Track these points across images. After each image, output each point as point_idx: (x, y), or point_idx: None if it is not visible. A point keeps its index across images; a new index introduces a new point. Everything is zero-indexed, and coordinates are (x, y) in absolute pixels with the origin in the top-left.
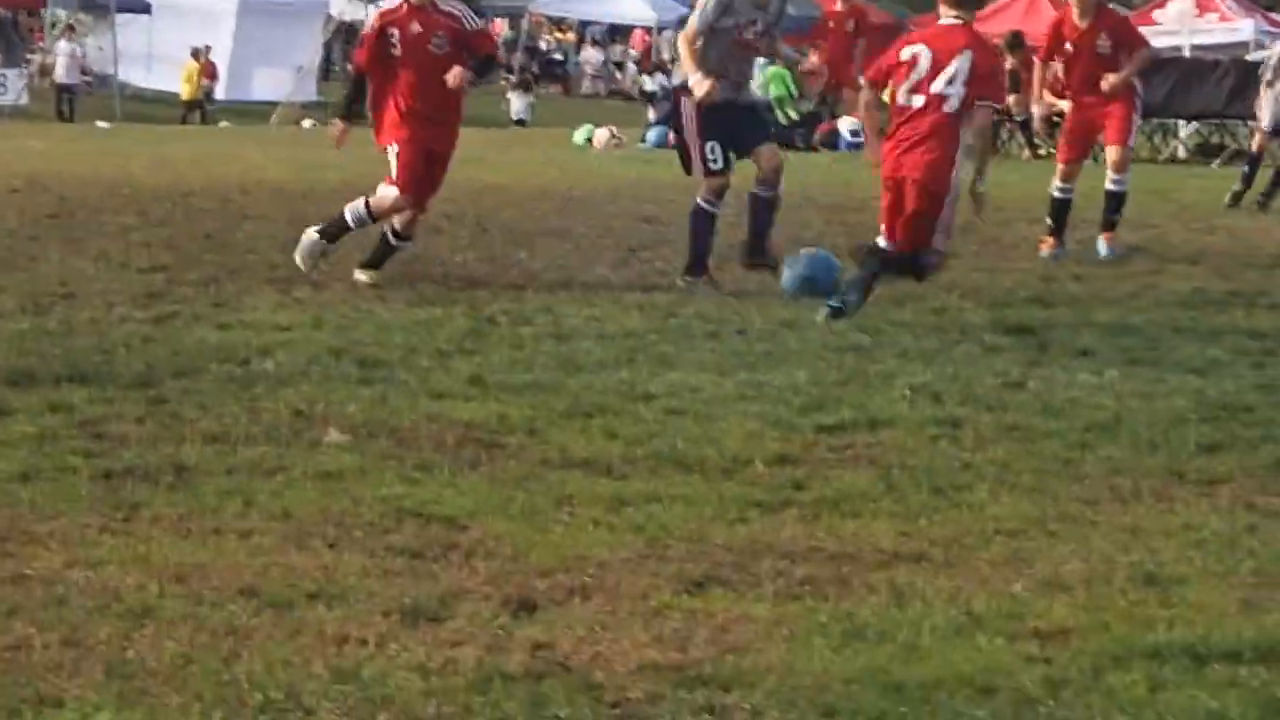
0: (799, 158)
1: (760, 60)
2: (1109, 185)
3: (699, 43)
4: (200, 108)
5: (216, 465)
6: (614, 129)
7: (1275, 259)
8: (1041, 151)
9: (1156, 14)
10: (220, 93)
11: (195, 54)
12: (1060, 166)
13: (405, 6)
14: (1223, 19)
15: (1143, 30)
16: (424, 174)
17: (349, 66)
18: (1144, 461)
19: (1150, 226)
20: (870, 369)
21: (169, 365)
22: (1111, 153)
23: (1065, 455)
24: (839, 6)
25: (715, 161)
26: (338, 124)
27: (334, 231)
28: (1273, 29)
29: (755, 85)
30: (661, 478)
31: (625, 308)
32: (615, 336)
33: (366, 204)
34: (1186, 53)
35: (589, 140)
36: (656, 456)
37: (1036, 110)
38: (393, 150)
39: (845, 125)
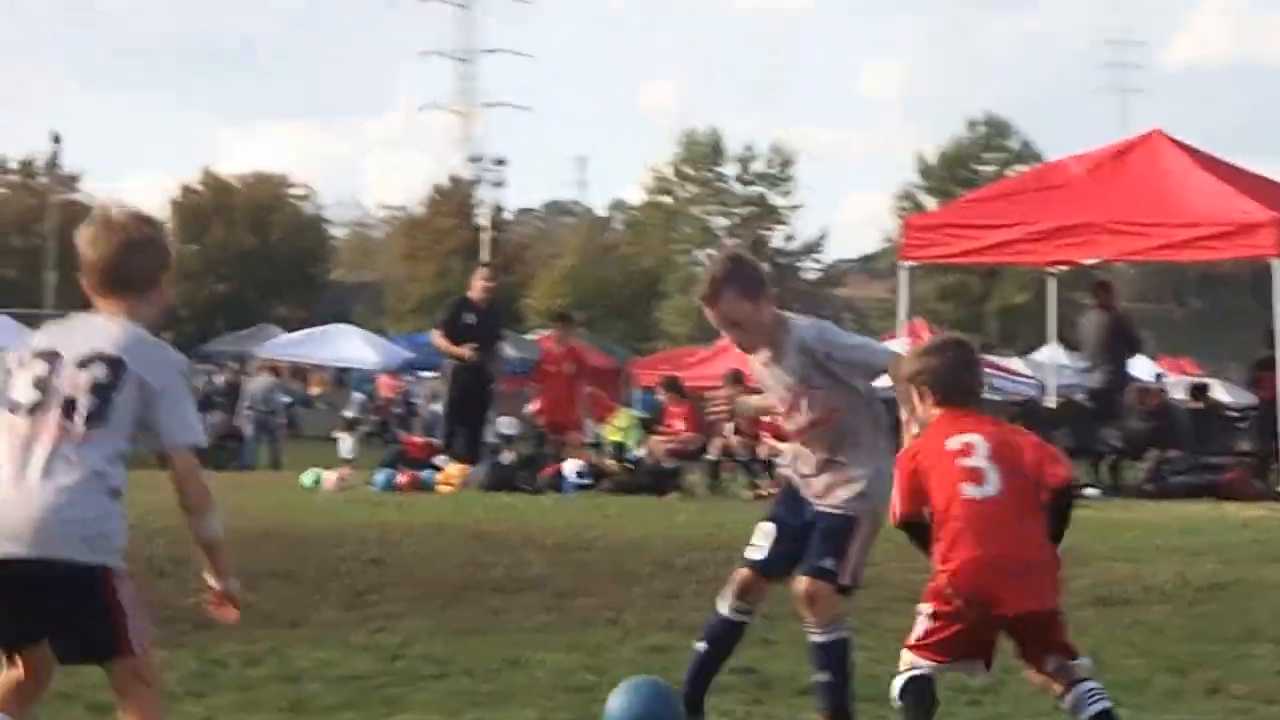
0: (524, 499)
1: None
2: None
3: None
4: None
5: None
6: (344, 472)
7: None
8: (763, 492)
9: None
10: None
11: None
12: None
13: None
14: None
15: None
16: None
17: None
18: None
19: (870, 564)
20: (595, 708)
21: None
22: None
23: None
24: (556, 348)
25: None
26: None
27: None
28: (987, 370)
29: None
30: None
31: (354, 649)
32: (345, 679)
33: None
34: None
35: (317, 482)
36: None
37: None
38: None
39: (570, 467)
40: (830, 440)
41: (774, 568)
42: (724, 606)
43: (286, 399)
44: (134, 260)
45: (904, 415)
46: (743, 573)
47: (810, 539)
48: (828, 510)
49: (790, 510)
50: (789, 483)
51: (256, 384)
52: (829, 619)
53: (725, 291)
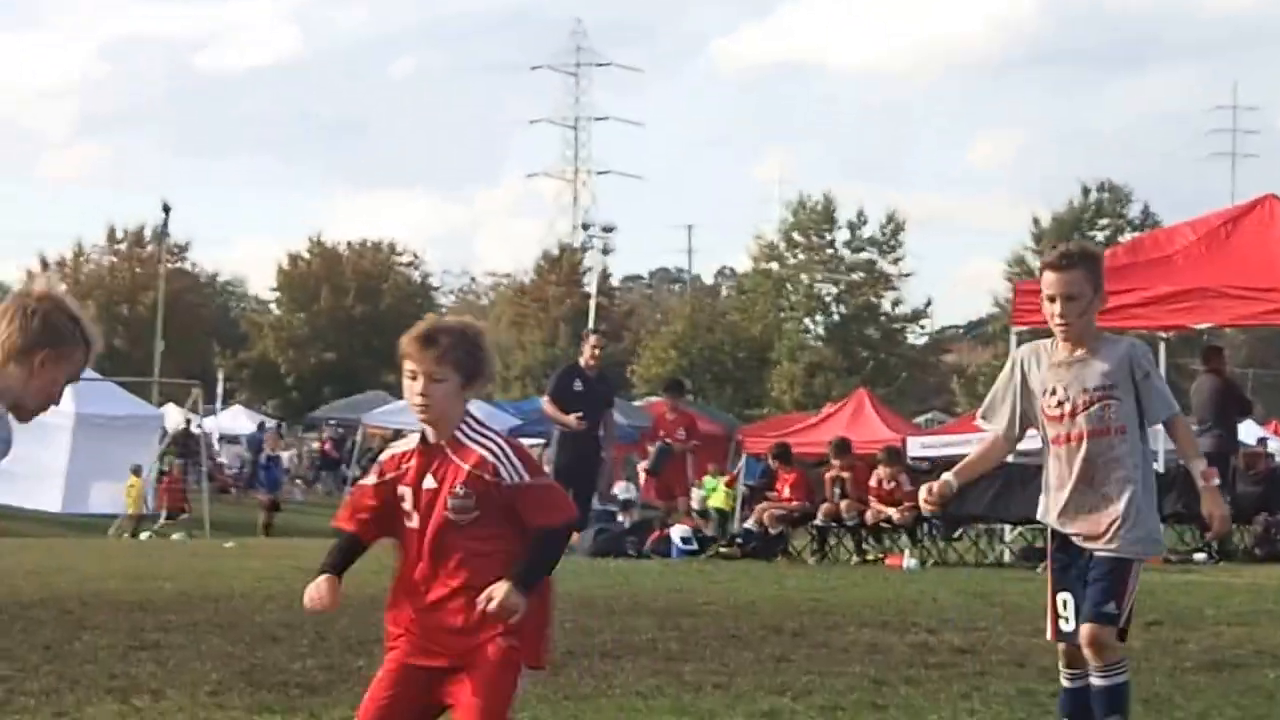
0: (631, 565)
1: None
2: None
3: None
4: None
5: None
6: None
7: None
8: (870, 556)
9: (980, 420)
10: (58, 506)
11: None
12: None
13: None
14: None
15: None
16: None
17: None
18: None
19: (977, 629)
20: None
21: None
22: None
23: None
24: (669, 415)
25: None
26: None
27: None
28: None
29: None
30: None
31: None
32: None
33: None
34: (1010, 458)
35: None
36: None
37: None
38: None
39: (676, 533)
40: (1098, 464)
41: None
42: (1065, 681)
43: None
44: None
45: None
46: (1062, 647)
47: (1088, 584)
48: (1106, 555)
49: (1074, 573)
50: (1058, 545)
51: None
52: (1113, 661)
53: (1080, 266)
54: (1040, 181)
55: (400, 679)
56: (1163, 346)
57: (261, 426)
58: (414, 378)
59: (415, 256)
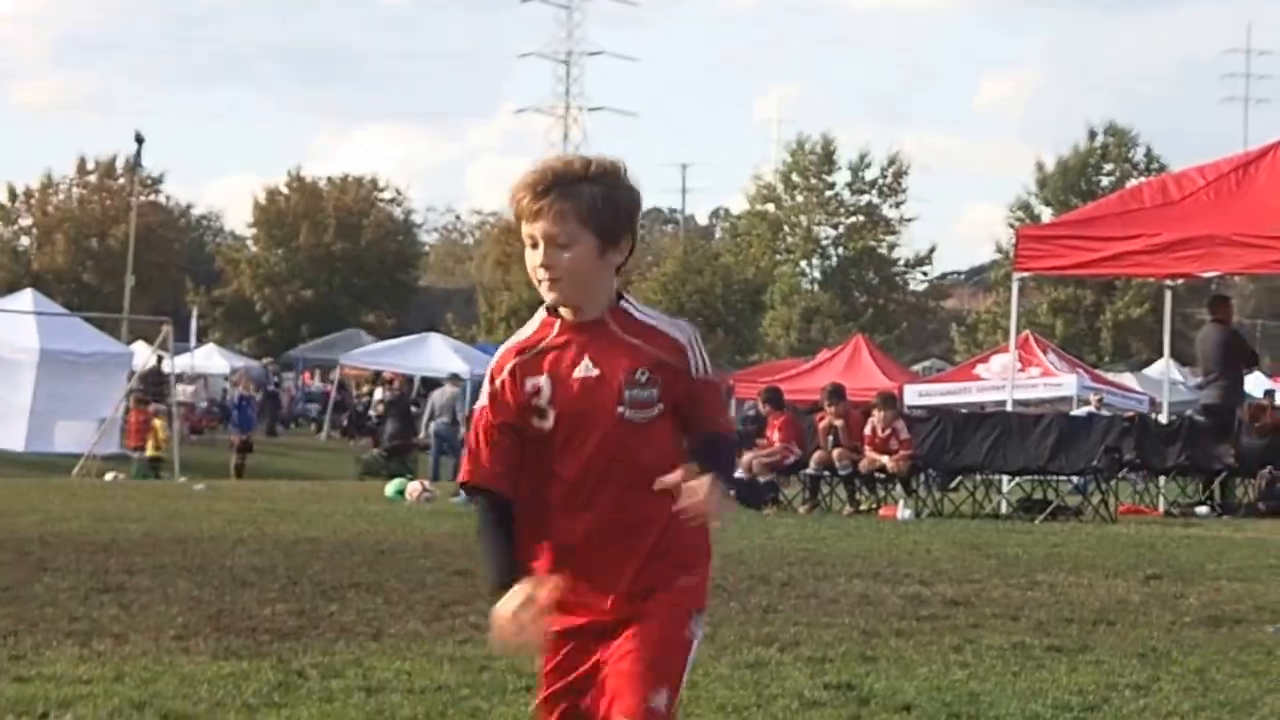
0: None
1: None
2: None
3: None
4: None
5: None
6: (426, 482)
7: (1097, 614)
8: (863, 506)
9: (980, 368)
10: (21, 445)
11: None
12: None
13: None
14: (1045, 374)
15: (963, 385)
16: None
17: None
18: None
19: (971, 581)
20: None
21: None
22: None
23: None
24: None
25: None
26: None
27: None
28: (1095, 384)
29: None
30: None
31: (437, 661)
32: (428, 690)
33: None
34: (1009, 407)
35: (401, 493)
36: None
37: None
38: None
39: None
40: None
41: None
42: None
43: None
44: None
45: None
46: None
47: None
48: None
49: None
50: None
51: (440, 395)
52: None
53: None
54: (1047, 125)
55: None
56: (1168, 296)
57: (265, 367)
58: (534, 245)
59: (398, 192)
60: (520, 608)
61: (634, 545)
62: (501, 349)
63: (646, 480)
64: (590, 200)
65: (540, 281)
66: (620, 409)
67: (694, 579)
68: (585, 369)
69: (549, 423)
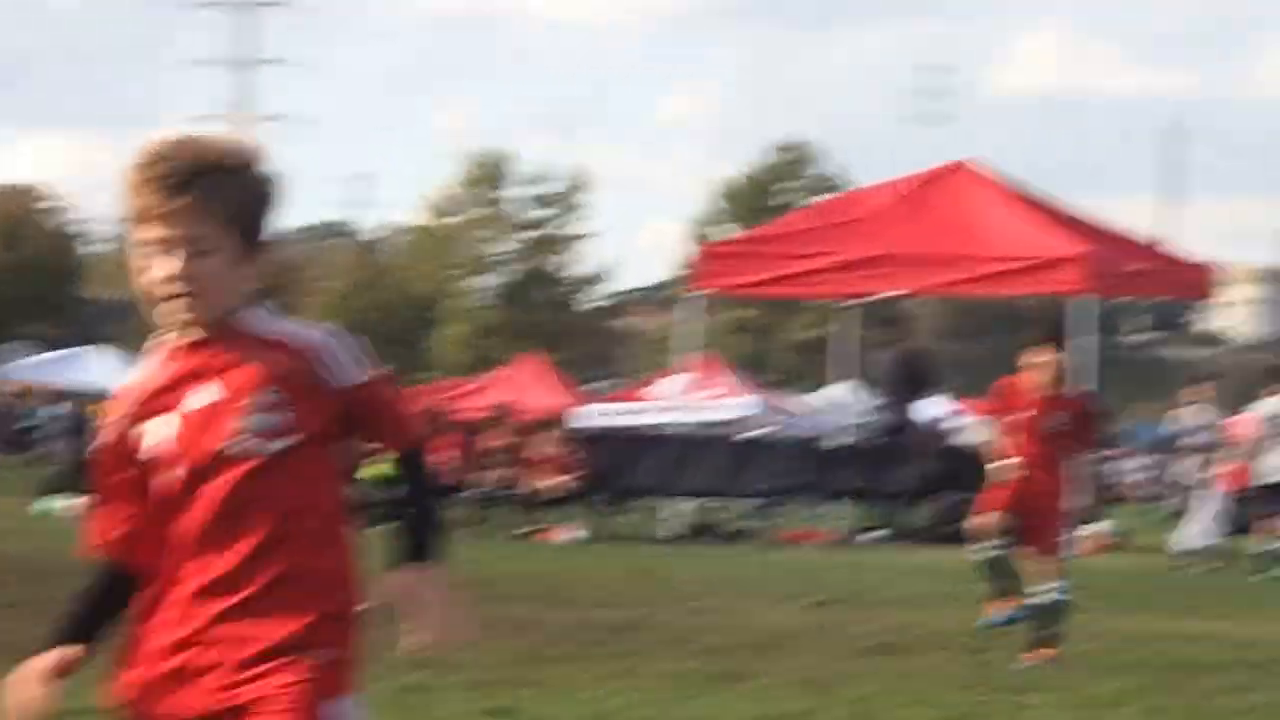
0: None
1: None
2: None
3: None
4: None
5: None
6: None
7: (765, 641)
8: (530, 529)
9: (656, 388)
10: None
11: None
12: None
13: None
14: (725, 395)
15: (638, 405)
16: None
17: None
18: None
19: (639, 606)
20: None
21: None
22: None
23: None
24: None
25: None
26: None
27: None
28: (774, 406)
29: None
30: None
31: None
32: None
33: None
34: (686, 429)
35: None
36: None
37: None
38: None
39: None
40: None
41: None
42: None
43: None
44: None
45: None
46: None
47: None
48: None
49: None
50: None
51: None
52: None
53: None
54: (731, 141)
55: None
56: (846, 317)
57: None
58: (165, 251)
59: (64, 202)
60: (35, 679)
61: (268, 610)
62: (116, 393)
63: (293, 528)
64: (235, 194)
65: (168, 298)
66: (244, 439)
67: (334, 652)
68: (207, 396)
69: (168, 469)
